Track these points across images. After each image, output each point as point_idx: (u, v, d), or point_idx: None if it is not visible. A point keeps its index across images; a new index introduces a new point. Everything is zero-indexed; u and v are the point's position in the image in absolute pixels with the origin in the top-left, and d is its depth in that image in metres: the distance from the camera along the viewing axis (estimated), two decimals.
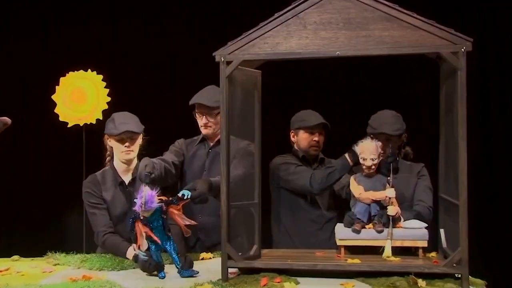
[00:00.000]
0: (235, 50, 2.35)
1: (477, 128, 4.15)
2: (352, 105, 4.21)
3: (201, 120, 3.14)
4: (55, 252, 2.90)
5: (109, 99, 3.22)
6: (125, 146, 2.93)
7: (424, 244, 2.46)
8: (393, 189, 2.49)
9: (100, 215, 2.91)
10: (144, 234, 2.39)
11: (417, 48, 2.23)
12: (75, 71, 3.27)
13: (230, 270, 2.38)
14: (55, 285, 2.34)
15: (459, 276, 2.21)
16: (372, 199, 2.50)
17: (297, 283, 2.26)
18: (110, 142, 3.02)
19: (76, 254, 2.91)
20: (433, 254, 2.52)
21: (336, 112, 4.11)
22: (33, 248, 3.02)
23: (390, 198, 2.48)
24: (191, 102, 3.14)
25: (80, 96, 3.23)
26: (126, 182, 3.01)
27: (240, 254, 2.39)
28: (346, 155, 2.92)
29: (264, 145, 2.60)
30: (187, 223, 2.43)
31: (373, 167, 2.55)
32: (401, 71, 4.22)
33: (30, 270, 2.64)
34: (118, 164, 3.02)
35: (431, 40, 2.21)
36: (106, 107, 3.18)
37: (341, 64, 3.37)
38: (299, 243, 3.15)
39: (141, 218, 2.39)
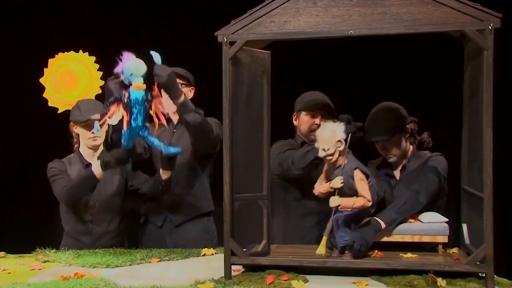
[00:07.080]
0: (239, 29, 2.34)
1: (505, 114, 4.12)
2: (365, 88, 4.19)
3: None
4: (45, 248, 2.92)
5: (102, 82, 3.23)
6: (92, 133, 3.05)
7: (445, 239, 2.46)
8: (339, 177, 2.32)
9: (63, 179, 3.07)
10: (121, 114, 2.51)
11: (438, 26, 2.20)
12: (65, 52, 3.28)
13: (233, 267, 2.39)
14: (45, 283, 2.34)
15: (483, 275, 2.20)
16: (322, 193, 2.38)
17: (306, 281, 2.27)
18: (76, 129, 3.14)
19: (67, 250, 2.94)
20: (455, 250, 2.52)
21: (348, 95, 4.10)
22: (21, 243, 3.03)
23: (336, 189, 2.33)
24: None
25: (71, 80, 3.26)
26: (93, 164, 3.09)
27: (244, 250, 2.40)
28: None
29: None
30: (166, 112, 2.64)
31: (329, 158, 2.35)
32: (421, 52, 4.19)
33: (17, 268, 2.65)
34: (84, 150, 3.16)
35: (454, 17, 2.17)
36: (100, 91, 3.19)
37: (354, 44, 3.34)
38: (296, 239, 3.05)
39: (125, 101, 2.50)
